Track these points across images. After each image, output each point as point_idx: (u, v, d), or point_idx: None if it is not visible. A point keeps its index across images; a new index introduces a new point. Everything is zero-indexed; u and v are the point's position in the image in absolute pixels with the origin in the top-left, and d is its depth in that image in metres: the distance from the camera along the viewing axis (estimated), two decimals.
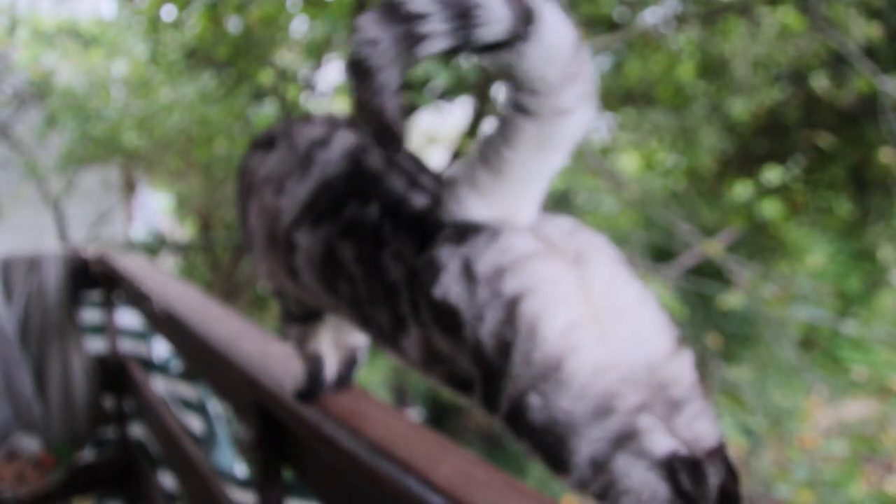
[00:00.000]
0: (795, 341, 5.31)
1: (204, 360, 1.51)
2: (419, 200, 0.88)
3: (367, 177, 0.93)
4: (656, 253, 6.10)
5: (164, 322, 1.78)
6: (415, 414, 7.30)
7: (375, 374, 6.48)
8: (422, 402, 7.40)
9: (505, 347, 0.73)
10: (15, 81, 8.39)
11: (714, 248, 4.31)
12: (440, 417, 7.56)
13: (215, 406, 2.10)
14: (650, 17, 5.30)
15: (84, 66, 7.81)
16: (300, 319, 1.11)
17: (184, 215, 10.13)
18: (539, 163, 0.79)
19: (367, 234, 0.88)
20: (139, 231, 11.05)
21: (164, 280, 1.99)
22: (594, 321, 0.73)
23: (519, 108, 0.76)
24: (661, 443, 0.68)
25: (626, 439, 0.68)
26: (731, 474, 0.69)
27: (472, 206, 0.81)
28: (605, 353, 0.71)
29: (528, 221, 0.81)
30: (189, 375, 2.19)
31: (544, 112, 0.75)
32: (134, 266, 2.25)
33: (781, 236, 7.51)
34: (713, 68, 6.03)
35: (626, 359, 0.72)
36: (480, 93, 5.24)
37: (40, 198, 8.95)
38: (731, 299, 4.23)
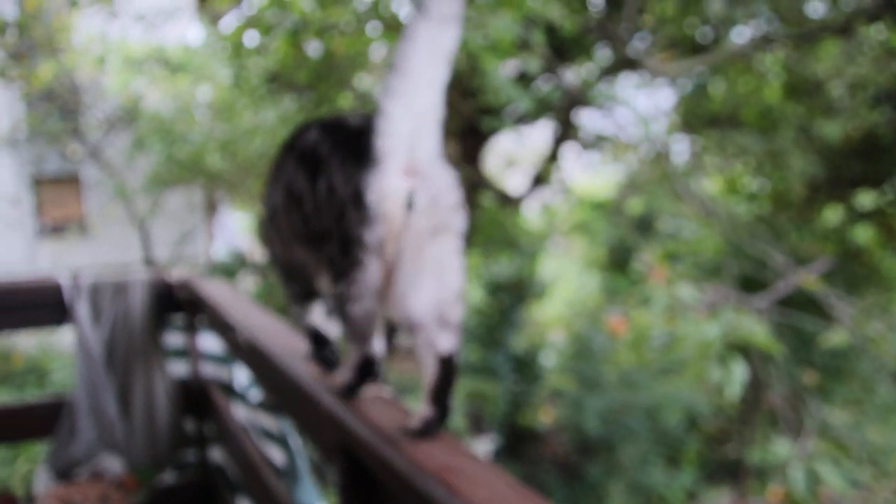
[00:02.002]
0: (894, 375, 5.01)
1: (288, 397, 1.47)
2: (354, 120, 1.13)
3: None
4: (745, 283, 5.86)
5: (247, 354, 1.75)
6: (490, 441, 7.18)
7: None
8: (497, 428, 7.28)
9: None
10: (106, 107, 8.72)
11: (808, 279, 4.08)
12: (516, 445, 7.42)
13: (297, 440, 2.06)
14: (737, 37, 5.11)
15: (171, 92, 8.04)
16: (299, 299, 1.37)
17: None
18: (431, 66, 1.00)
19: (309, 158, 1.13)
20: (220, 251, 11.30)
21: (249, 309, 1.96)
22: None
23: (419, 7, 0.98)
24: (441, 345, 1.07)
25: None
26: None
27: (392, 114, 1.02)
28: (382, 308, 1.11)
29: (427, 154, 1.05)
30: (270, 407, 2.16)
31: (435, 15, 0.98)
32: (217, 292, 2.24)
33: (875, 264, 7.15)
34: (803, 89, 5.80)
35: (402, 311, 1.08)
36: (562, 117, 5.14)
37: (127, 217, 9.24)
38: (835, 338, 3.99)
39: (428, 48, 1.00)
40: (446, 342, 1.07)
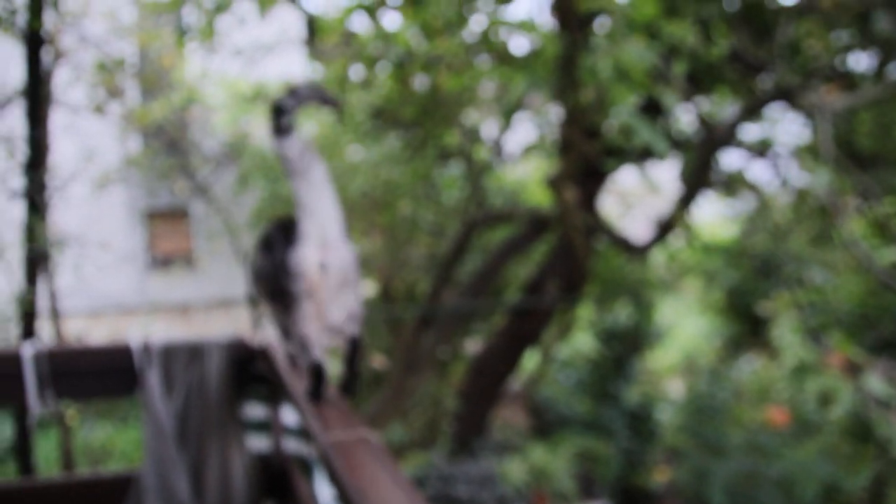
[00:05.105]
0: None
1: None
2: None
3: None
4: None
5: (326, 464, 1.37)
6: None
7: (559, 461, 5.89)
8: (609, 492, 6.70)
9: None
10: (213, 143, 8.74)
11: None
12: None
13: None
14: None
15: None
16: (282, 335, 1.82)
17: (366, 274, 10.13)
18: (319, 191, 1.55)
19: (265, 243, 1.72)
20: None
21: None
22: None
23: (290, 172, 1.55)
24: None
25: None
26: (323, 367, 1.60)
27: (305, 220, 1.54)
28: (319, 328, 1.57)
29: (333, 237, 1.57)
30: None
31: (299, 171, 1.53)
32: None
33: None
34: None
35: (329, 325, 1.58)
36: (699, 156, 4.52)
37: (232, 252, 9.21)
38: None
39: (310, 184, 1.52)
40: (354, 328, 1.60)
